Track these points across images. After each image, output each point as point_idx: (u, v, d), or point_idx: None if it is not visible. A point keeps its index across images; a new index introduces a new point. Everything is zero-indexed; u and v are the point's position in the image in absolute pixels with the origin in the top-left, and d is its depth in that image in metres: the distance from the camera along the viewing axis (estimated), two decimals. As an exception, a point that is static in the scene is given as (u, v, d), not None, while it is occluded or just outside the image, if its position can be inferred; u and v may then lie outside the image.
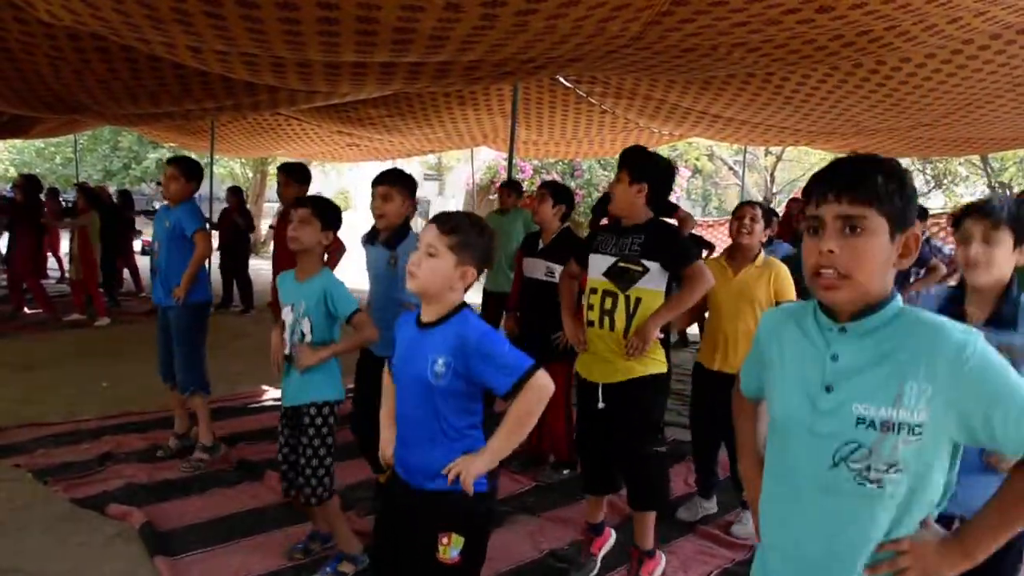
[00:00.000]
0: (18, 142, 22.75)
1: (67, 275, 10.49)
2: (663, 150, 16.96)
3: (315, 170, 21.80)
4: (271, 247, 11.77)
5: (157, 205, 21.84)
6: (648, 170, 3.29)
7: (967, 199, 13.37)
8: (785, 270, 4.05)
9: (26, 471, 4.40)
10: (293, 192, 5.10)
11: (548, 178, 16.49)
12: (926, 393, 1.45)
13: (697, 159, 17.90)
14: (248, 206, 13.13)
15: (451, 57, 4.29)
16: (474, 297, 6.61)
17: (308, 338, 3.26)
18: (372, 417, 4.08)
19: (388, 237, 3.77)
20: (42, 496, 4.08)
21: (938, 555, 1.51)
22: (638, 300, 3.20)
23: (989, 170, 15.19)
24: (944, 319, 1.50)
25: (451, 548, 2.19)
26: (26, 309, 9.65)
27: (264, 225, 17.98)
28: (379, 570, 2.44)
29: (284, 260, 5.01)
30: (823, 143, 9.80)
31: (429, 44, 3.90)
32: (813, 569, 1.59)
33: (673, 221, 5.13)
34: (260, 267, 13.32)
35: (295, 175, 5.27)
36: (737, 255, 4.07)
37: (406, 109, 9.02)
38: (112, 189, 15.87)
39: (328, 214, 3.36)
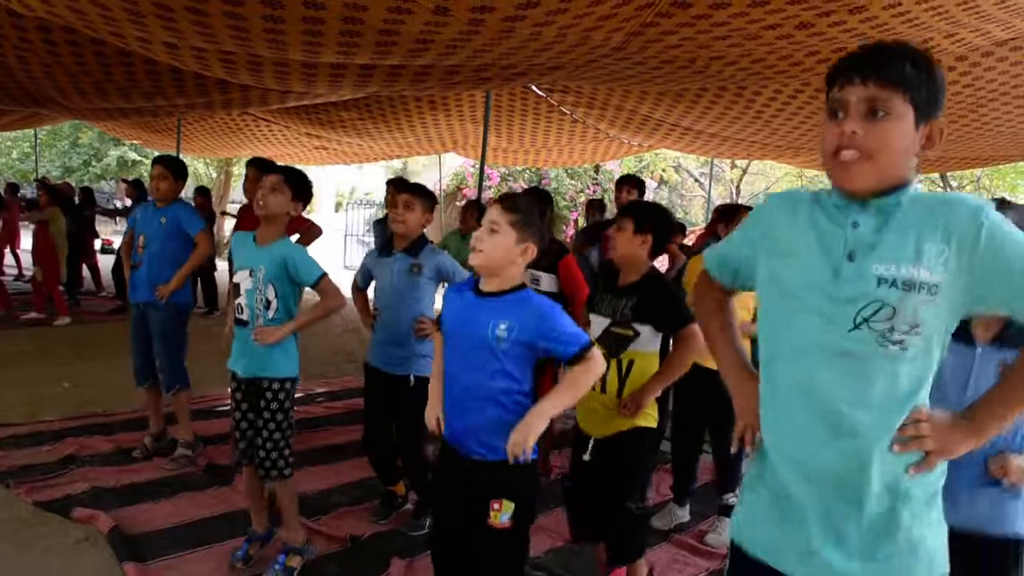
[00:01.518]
0: (-27, 136, 22.23)
1: (27, 273, 10.22)
2: (630, 161, 17.09)
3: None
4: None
5: (118, 204, 21.45)
6: (653, 221, 3.25)
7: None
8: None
9: (-14, 473, 4.28)
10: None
11: (516, 187, 16.49)
12: (943, 255, 1.45)
13: (664, 171, 18.06)
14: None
15: (433, 61, 4.28)
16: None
17: (274, 304, 3.24)
18: (383, 436, 4.10)
19: (409, 245, 3.83)
20: (3, 498, 3.97)
21: (952, 430, 1.52)
22: (631, 363, 3.16)
23: (948, 188, 15.52)
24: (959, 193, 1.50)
25: (502, 514, 2.36)
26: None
27: (228, 226, 17.73)
28: (442, 540, 2.58)
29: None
30: (790, 157, 9.93)
31: (413, 47, 3.90)
32: (839, 435, 1.53)
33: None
34: (223, 268, 13.12)
35: (266, 169, 5.15)
36: None
37: (377, 113, 9.00)
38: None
39: (299, 185, 3.34)
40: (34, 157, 16.71)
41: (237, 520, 3.86)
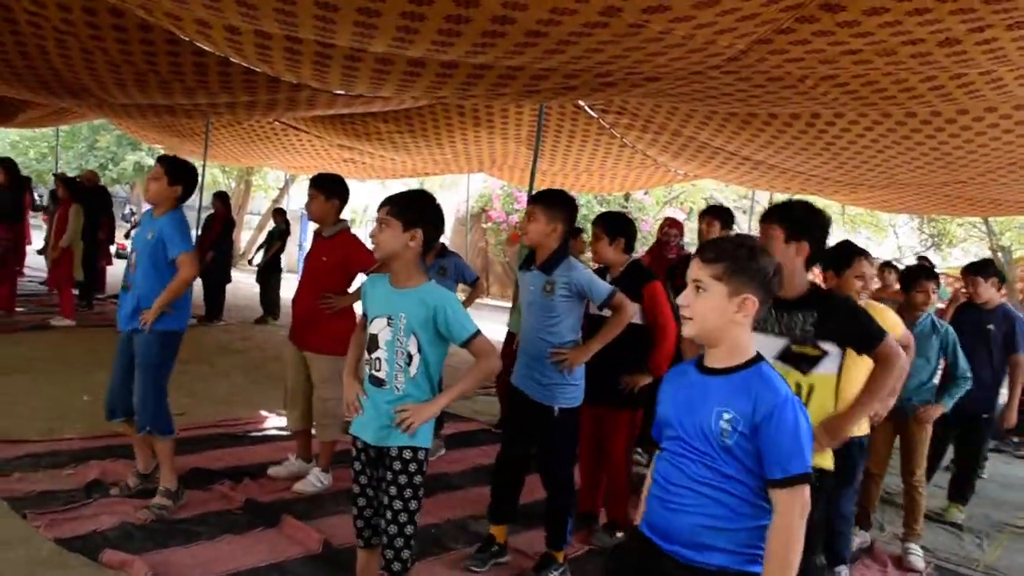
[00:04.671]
0: (-10, 133, 21.96)
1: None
2: (660, 191, 16.70)
3: (302, 184, 21.25)
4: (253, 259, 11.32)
5: (133, 208, 21.12)
6: (807, 224, 2.80)
7: (962, 261, 13.37)
8: (886, 308, 3.69)
9: (1, 499, 3.77)
10: (324, 208, 4.48)
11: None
12: None
13: (694, 203, 17.65)
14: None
15: (495, 60, 3.82)
16: (497, 333, 6.22)
17: (416, 360, 2.71)
18: (518, 461, 3.71)
19: (545, 261, 3.55)
20: (21, 533, 3.46)
21: None
22: (811, 387, 2.71)
23: (991, 233, 15.09)
24: None
25: None
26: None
27: (244, 238, 17.34)
28: None
29: (307, 289, 4.50)
30: (846, 194, 9.59)
31: (483, 41, 3.42)
32: None
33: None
34: (240, 280, 12.70)
35: (326, 188, 4.50)
36: None
37: (417, 126, 8.65)
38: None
39: (409, 211, 2.76)
40: (51, 158, 16.31)
41: (289, 572, 3.37)
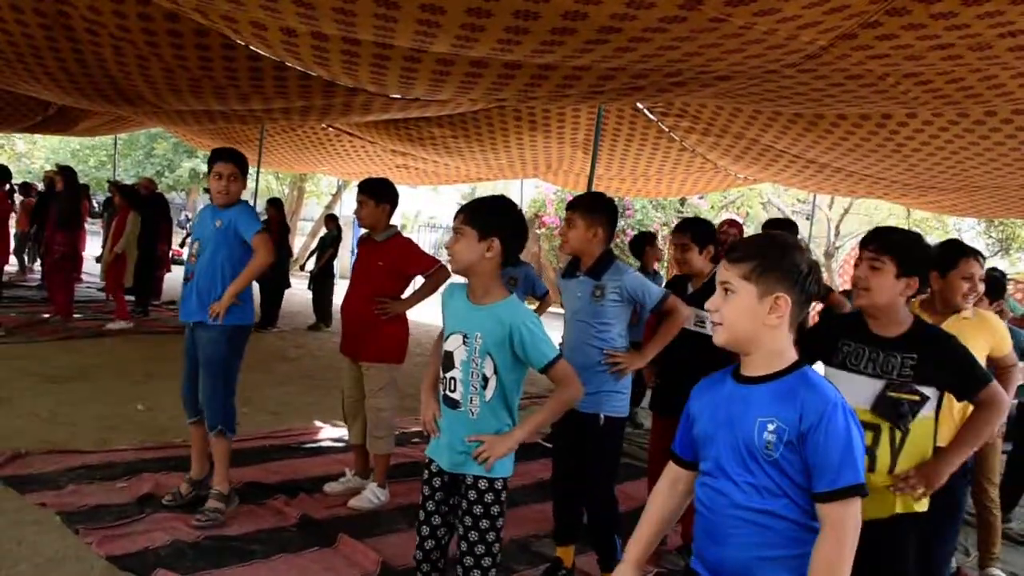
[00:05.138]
0: (54, 142, 22.45)
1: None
2: (716, 195, 16.36)
3: (355, 190, 21.35)
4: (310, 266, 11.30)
5: (189, 215, 21.38)
6: (926, 263, 2.60)
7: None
8: (996, 319, 3.43)
9: (54, 512, 3.71)
10: (375, 214, 4.36)
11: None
12: None
13: (751, 207, 17.27)
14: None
15: (563, 58, 3.63)
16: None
17: (492, 383, 2.52)
18: (571, 477, 3.55)
19: (592, 266, 3.45)
20: (73, 549, 3.38)
21: None
22: (907, 430, 2.49)
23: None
24: None
25: None
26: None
27: (297, 244, 17.41)
28: None
29: (359, 295, 4.35)
30: (915, 197, 9.21)
31: (552, 39, 3.23)
32: None
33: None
34: (293, 287, 12.69)
35: (375, 193, 4.37)
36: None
37: (472, 130, 8.53)
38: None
39: (485, 219, 2.54)
40: (110, 165, 16.58)
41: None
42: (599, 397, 3.38)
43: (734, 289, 1.80)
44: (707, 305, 1.88)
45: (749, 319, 1.78)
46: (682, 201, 16.13)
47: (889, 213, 16.75)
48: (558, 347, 2.56)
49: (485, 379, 2.51)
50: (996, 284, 4.75)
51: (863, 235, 2.86)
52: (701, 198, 16.17)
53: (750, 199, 17.17)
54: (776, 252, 1.81)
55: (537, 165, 10.21)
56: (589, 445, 3.44)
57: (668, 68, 3.86)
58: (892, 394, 2.47)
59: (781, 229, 5.40)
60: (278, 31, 3.88)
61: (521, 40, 3.24)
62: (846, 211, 17.57)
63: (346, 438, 4.71)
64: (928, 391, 2.46)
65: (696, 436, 1.92)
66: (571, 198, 15.21)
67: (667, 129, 7.86)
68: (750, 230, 20.11)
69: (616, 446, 3.58)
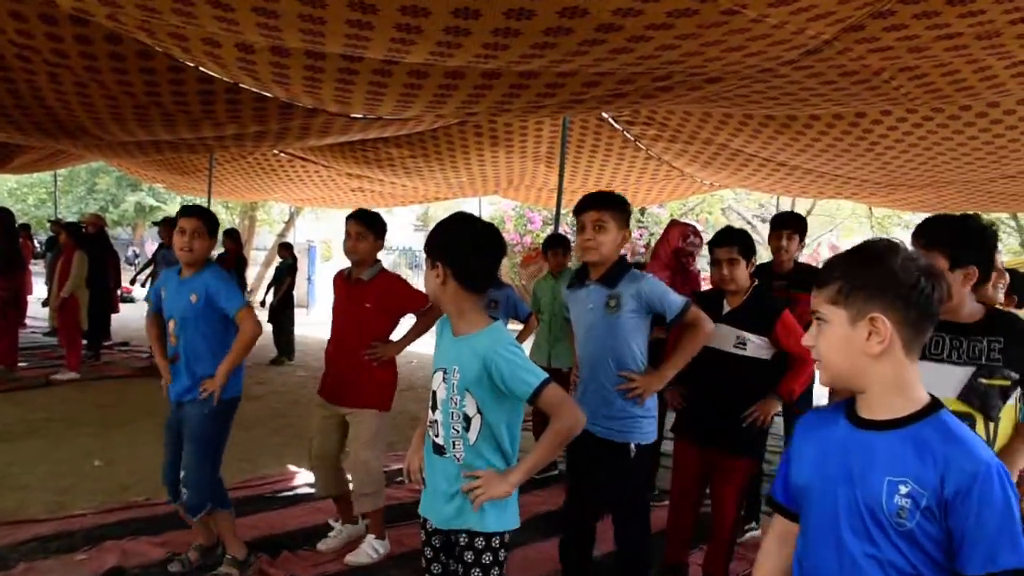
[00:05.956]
0: (-13, 181, 21.65)
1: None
2: (674, 204, 16.25)
3: (307, 216, 20.84)
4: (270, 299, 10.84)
5: (135, 251, 20.73)
6: (978, 248, 2.35)
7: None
8: None
9: (4, 599, 3.31)
10: (373, 249, 4.04)
11: (563, 230, 15.53)
12: None
13: (710, 213, 17.18)
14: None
15: (585, 64, 3.36)
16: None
17: (476, 423, 2.21)
18: (587, 511, 3.22)
19: (605, 273, 3.07)
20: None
21: None
22: (998, 419, 2.30)
23: (1021, 228, 14.69)
24: None
25: None
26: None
27: (252, 274, 16.86)
28: None
29: (348, 340, 4.00)
30: (884, 195, 9.17)
31: (590, 38, 2.95)
32: None
33: None
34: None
35: (377, 227, 4.07)
36: None
37: (431, 149, 8.27)
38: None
39: (431, 244, 2.32)
40: (51, 204, 15.95)
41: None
42: (627, 424, 3.05)
43: (825, 318, 1.53)
44: (803, 341, 1.62)
45: (844, 350, 1.50)
46: (642, 211, 15.98)
47: (851, 212, 16.79)
48: (543, 373, 2.22)
49: (467, 419, 2.22)
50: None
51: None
52: (661, 207, 16.05)
53: (711, 205, 17.09)
54: (863, 263, 1.51)
55: (499, 181, 9.97)
56: (620, 479, 3.10)
57: (660, 71, 3.61)
58: (984, 380, 2.28)
59: (795, 231, 4.84)
60: (233, 47, 3.56)
61: (510, 44, 2.96)
62: (808, 213, 17.58)
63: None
64: (1017, 374, 2.29)
65: (795, 483, 1.63)
66: (531, 214, 14.78)
67: (633, 138, 7.71)
68: (708, 236, 20.12)
69: (647, 476, 3.27)
